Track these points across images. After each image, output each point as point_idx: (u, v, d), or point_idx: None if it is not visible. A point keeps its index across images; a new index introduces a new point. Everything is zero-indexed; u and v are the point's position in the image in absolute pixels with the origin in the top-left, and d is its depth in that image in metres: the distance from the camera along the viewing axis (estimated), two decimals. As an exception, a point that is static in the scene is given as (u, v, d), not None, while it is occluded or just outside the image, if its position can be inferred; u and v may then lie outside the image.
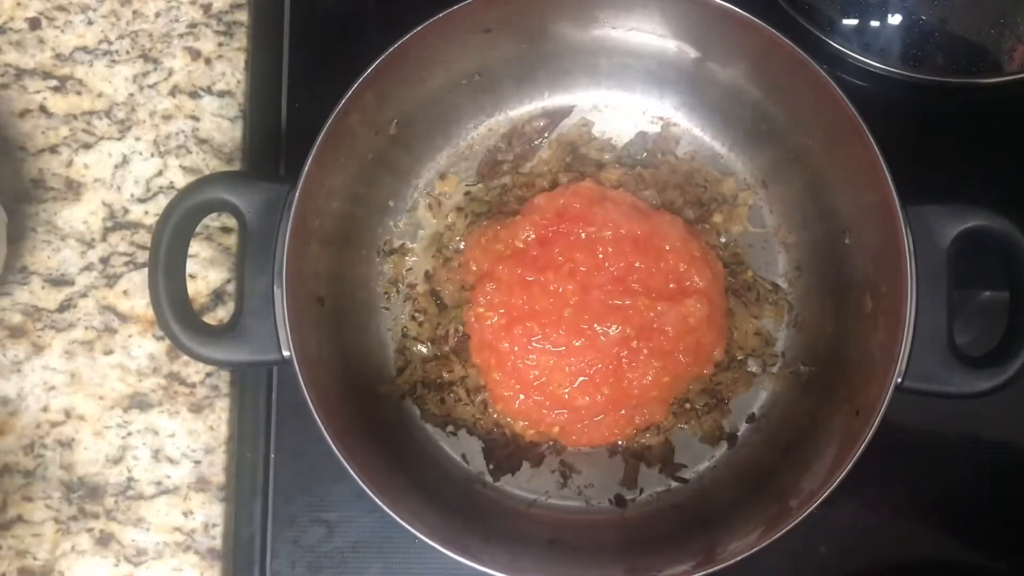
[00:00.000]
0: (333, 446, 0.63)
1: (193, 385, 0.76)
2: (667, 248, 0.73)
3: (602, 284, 0.72)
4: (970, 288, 0.79)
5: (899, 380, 0.63)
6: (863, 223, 0.70)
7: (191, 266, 0.74)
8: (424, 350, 0.77)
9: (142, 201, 0.79)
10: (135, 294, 0.77)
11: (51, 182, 0.78)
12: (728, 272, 0.77)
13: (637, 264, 0.72)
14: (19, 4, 0.81)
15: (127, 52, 0.81)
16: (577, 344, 0.71)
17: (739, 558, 0.63)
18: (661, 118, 0.81)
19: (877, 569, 0.77)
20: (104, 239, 0.78)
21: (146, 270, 0.69)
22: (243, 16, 0.82)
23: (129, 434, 0.75)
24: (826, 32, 0.81)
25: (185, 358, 0.75)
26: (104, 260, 0.77)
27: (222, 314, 0.77)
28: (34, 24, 0.81)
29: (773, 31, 0.68)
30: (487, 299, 0.74)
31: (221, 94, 0.81)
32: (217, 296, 0.77)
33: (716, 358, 0.75)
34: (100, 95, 0.80)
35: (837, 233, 0.73)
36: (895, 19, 0.82)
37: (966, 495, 0.77)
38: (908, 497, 0.77)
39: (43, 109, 0.80)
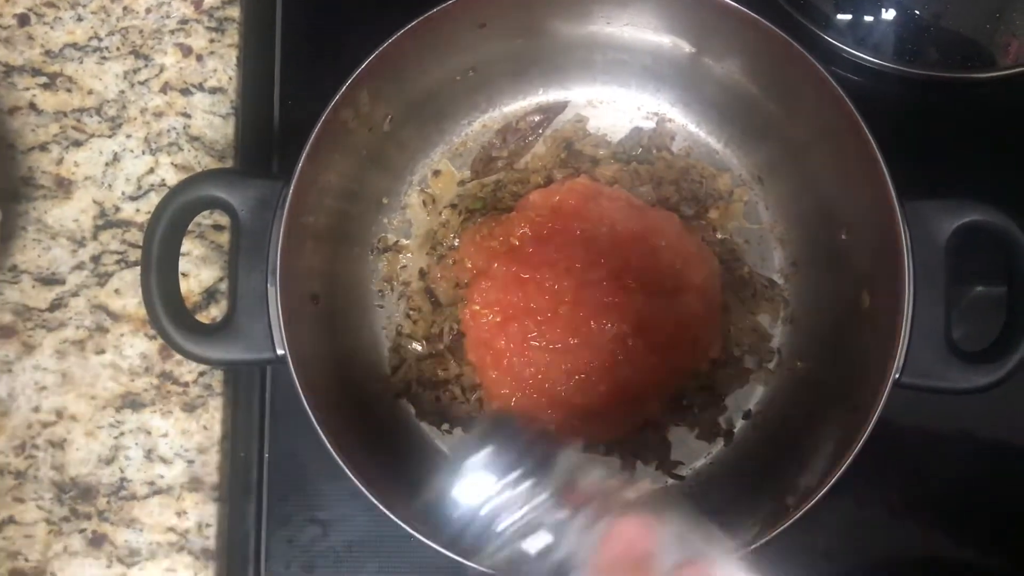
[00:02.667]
0: (328, 445, 0.63)
1: (186, 384, 0.75)
2: (663, 245, 0.73)
3: (598, 281, 0.72)
4: (965, 283, 0.78)
5: (897, 376, 0.63)
6: (860, 219, 0.70)
7: (183, 264, 0.74)
8: (419, 348, 0.77)
9: (133, 199, 0.78)
10: (127, 293, 0.76)
11: (41, 180, 0.78)
12: (724, 268, 0.77)
13: (633, 261, 0.72)
14: (8, 0, 0.80)
15: (117, 49, 0.80)
16: (573, 341, 0.71)
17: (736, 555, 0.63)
18: (656, 114, 0.81)
19: (873, 565, 0.77)
20: (95, 237, 0.77)
21: (138, 268, 0.68)
22: (235, 12, 0.81)
23: (121, 434, 0.74)
24: (821, 27, 0.81)
25: (178, 357, 0.75)
26: (95, 259, 0.77)
27: (215, 312, 0.77)
28: (23, 20, 0.80)
29: (769, 25, 0.67)
30: (482, 297, 0.73)
31: (213, 91, 0.80)
32: (210, 294, 0.77)
33: (712, 355, 0.75)
34: (90, 92, 0.79)
35: (834, 229, 0.73)
36: (890, 14, 0.82)
37: (962, 491, 0.77)
38: (903, 493, 0.77)
39: (33, 106, 0.79)
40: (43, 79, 0.79)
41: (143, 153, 0.79)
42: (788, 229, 0.78)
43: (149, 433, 0.75)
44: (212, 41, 0.81)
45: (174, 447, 0.75)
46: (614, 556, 0.44)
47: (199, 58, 0.80)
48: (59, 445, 0.74)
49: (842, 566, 0.77)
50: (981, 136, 0.82)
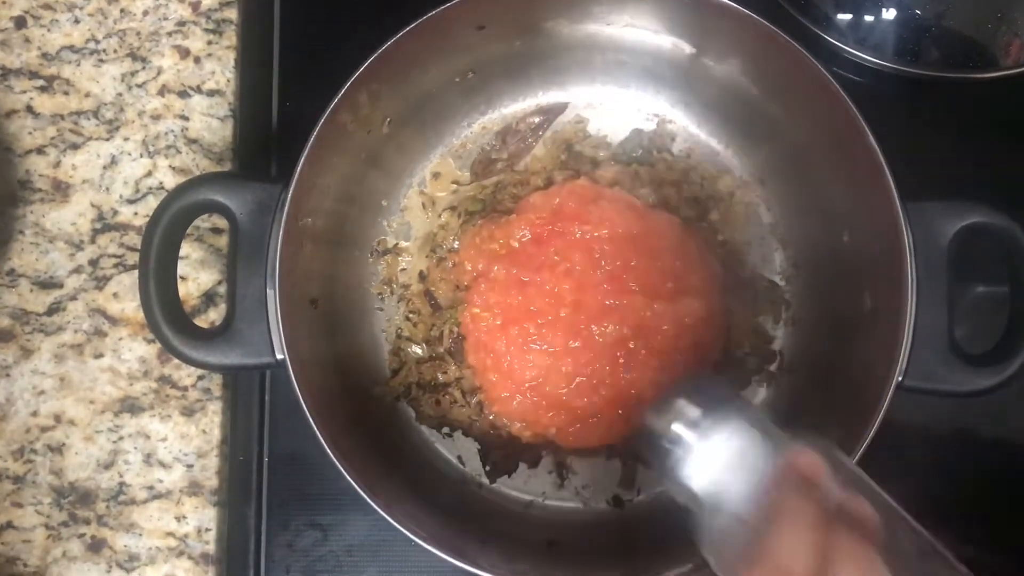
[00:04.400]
0: (327, 449, 0.62)
1: (185, 388, 0.75)
2: (664, 247, 0.73)
3: (598, 284, 0.71)
4: (966, 282, 0.78)
5: (900, 379, 0.63)
6: (862, 220, 0.69)
7: (182, 268, 0.73)
8: (419, 351, 0.77)
9: (131, 202, 0.78)
10: (125, 296, 0.76)
11: (38, 183, 0.77)
12: (725, 270, 0.76)
13: (633, 263, 0.72)
14: (4, 3, 0.80)
15: (115, 51, 0.80)
16: (574, 345, 0.70)
17: (739, 559, 0.62)
18: (657, 115, 0.80)
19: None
20: (93, 241, 0.77)
21: (136, 272, 0.68)
22: (232, 14, 0.81)
23: (120, 438, 0.74)
24: (822, 27, 0.80)
25: (176, 361, 0.74)
26: (93, 262, 0.76)
27: (213, 316, 0.76)
28: (20, 23, 0.80)
29: (769, 26, 0.67)
30: (482, 299, 0.73)
31: (211, 93, 0.80)
32: (208, 298, 0.77)
33: (714, 357, 0.74)
34: (88, 95, 0.79)
35: (835, 230, 0.72)
36: (891, 14, 0.81)
37: (965, 491, 0.77)
38: (905, 494, 0.77)
39: (30, 109, 0.79)
40: (40, 82, 0.79)
41: (141, 156, 0.78)
42: (790, 231, 0.78)
43: (148, 437, 0.74)
44: (210, 43, 0.80)
45: (173, 451, 0.74)
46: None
47: (197, 60, 0.80)
48: (58, 450, 0.74)
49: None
50: (983, 137, 0.81)
